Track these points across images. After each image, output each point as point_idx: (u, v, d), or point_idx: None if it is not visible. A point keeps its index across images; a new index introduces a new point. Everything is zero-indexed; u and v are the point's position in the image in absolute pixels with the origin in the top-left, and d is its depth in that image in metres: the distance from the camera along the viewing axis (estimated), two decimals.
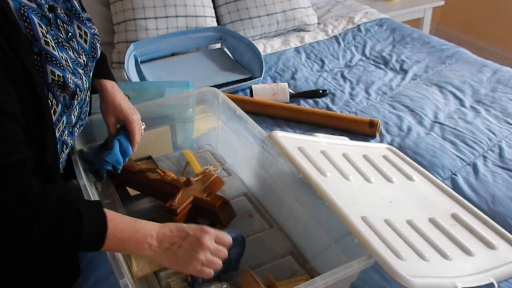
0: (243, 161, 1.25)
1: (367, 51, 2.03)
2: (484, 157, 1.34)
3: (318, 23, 2.29)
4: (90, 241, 0.74)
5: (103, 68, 1.09)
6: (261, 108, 1.53)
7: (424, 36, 2.13)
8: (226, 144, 1.34)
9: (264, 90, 1.61)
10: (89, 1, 1.93)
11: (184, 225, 0.82)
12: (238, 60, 1.87)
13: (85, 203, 0.78)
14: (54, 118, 0.84)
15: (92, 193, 0.95)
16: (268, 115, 1.53)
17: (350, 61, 1.95)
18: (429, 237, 0.94)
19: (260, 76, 1.74)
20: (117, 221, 0.77)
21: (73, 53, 0.90)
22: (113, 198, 1.12)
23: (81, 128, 1.06)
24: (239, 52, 1.87)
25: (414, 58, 1.93)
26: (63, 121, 0.90)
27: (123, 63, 1.69)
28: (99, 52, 1.02)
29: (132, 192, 1.18)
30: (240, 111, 1.21)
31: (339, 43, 2.10)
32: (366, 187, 1.06)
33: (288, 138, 1.08)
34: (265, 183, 1.17)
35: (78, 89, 0.87)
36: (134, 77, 1.65)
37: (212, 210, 1.03)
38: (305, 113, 1.50)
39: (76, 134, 1.03)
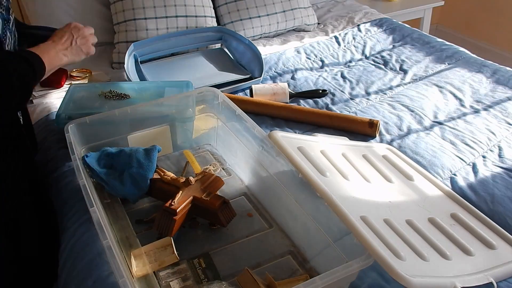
0: (243, 161, 1.25)
1: (367, 51, 2.03)
2: (484, 157, 1.34)
3: (318, 23, 2.30)
4: (38, 67, 0.99)
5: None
6: (261, 108, 1.53)
7: (424, 36, 2.13)
8: (226, 144, 1.34)
9: (264, 90, 1.61)
10: (89, 1, 1.93)
11: (58, 32, 1.14)
12: (238, 60, 1.87)
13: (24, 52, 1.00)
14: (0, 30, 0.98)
15: (92, 193, 0.95)
16: (268, 115, 1.53)
17: (350, 61, 1.95)
18: (429, 237, 0.94)
19: (260, 76, 1.74)
20: (35, 50, 1.02)
21: None
22: (113, 198, 1.12)
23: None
24: (239, 52, 1.87)
25: (414, 58, 1.93)
26: (9, 39, 1.02)
27: (123, 63, 1.69)
28: None
29: None
30: (239, 111, 1.21)
31: (339, 43, 2.10)
32: (366, 187, 1.07)
33: (288, 138, 1.08)
34: (264, 183, 1.17)
35: (8, 4, 1.02)
36: (134, 77, 1.65)
37: (211, 209, 1.03)
38: (305, 113, 1.50)
39: None
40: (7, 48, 1.00)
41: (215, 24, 2.02)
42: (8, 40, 1.00)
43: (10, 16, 1.03)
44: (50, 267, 1.10)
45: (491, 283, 0.89)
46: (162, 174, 1.11)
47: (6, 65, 0.92)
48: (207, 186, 1.10)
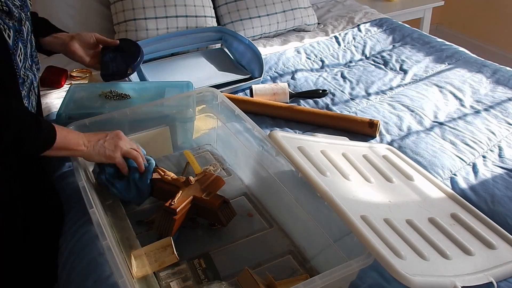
0: (243, 161, 1.25)
1: (367, 51, 2.03)
2: (484, 157, 1.34)
3: (318, 23, 2.30)
4: (46, 136, 0.94)
5: (53, 26, 1.30)
6: (261, 108, 1.53)
7: (424, 36, 2.13)
8: (226, 144, 1.34)
9: (264, 90, 1.61)
10: (89, 1, 1.93)
11: (101, 132, 1.07)
12: (238, 60, 1.87)
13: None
14: (10, 41, 0.93)
15: (91, 195, 0.95)
16: (268, 115, 1.54)
17: (350, 61, 1.95)
18: (429, 237, 0.94)
19: (260, 76, 1.74)
20: (57, 126, 0.97)
21: None
22: (113, 199, 1.12)
23: (38, 78, 1.15)
24: (239, 52, 1.87)
25: (414, 58, 1.93)
26: (22, 50, 0.98)
27: None
28: (30, 2, 1.08)
29: None
30: (239, 111, 1.21)
31: (339, 43, 2.10)
32: (366, 187, 1.07)
33: (288, 138, 1.08)
34: (264, 182, 1.17)
35: (21, 16, 0.97)
36: (134, 77, 1.65)
37: (211, 209, 1.03)
38: (305, 113, 1.50)
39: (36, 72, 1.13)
40: (18, 59, 0.97)
41: (215, 24, 2.02)
42: (19, 51, 0.97)
43: (23, 27, 0.99)
44: (50, 268, 1.09)
45: (491, 282, 0.89)
46: (163, 174, 1.11)
47: (8, 112, 0.87)
48: (207, 185, 1.10)
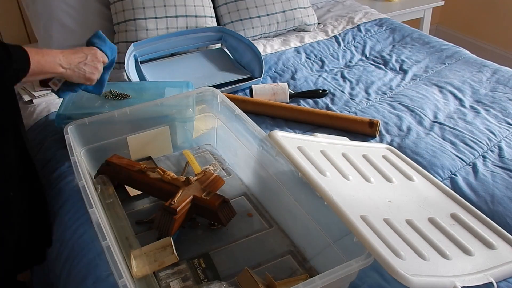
0: (243, 161, 1.25)
1: (367, 51, 2.03)
2: (484, 157, 1.34)
3: (318, 23, 2.30)
4: (19, 65, 0.92)
5: None
6: (261, 108, 1.53)
7: (424, 36, 2.13)
8: (226, 144, 1.34)
9: (264, 90, 1.61)
10: (89, 1, 1.93)
11: (77, 49, 1.08)
12: (238, 60, 1.87)
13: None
14: None
15: (91, 194, 0.95)
16: (268, 115, 1.53)
17: (350, 61, 1.95)
18: (429, 237, 0.94)
19: (260, 76, 1.74)
20: (30, 49, 0.95)
21: None
22: (113, 198, 1.12)
23: None
24: (239, 52, 1.87)
25: (414, 58, 1.93)
26: None
27: (123, 63, 1.69)
28: None
29: (132, 192, 1.18)
30: (239, 111, 1.21)
31: (339, 43, 2.10)
32: (366, 187, 1.07)
33: (288, 138, 1.08)
34: (264, 182, 1.17)
35: None
36: (134, 77, 1.65)
37: (211, 209, 1.03)
38: (305, 113, 1.50)
39: None
40: None
41: (215, 24, 2.02)
42: None
43: None
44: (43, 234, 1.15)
45: (491, 283, 0.89)
46: (163, 173, 1.11)
47: None
48: (207, 185, 1.10)
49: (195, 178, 1.11)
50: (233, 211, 1.08)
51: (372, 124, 1.42)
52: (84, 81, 1.09)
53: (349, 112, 1.57)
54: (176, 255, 0.96)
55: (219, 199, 1.05)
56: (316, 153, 1.09)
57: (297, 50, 2.02)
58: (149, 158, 1.30)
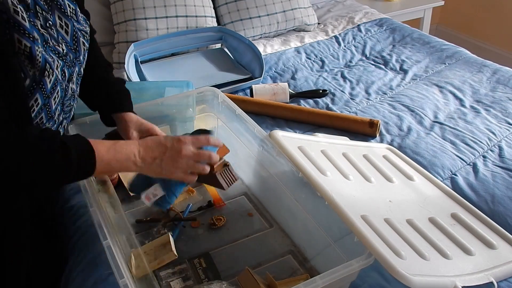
0: (243, 161, 1.25)
1: (367, 51, 2.03)
2: (484, 157, 1.34)
3: (318, 23, 2.30)
4: (82, 165, 0.77)
5: (127, 102, 1.12)
6: (261, 108, 1.53)
7: (424, 36, 2.13)
8: (226, 143, 1.33)
9: (264, 90, 1.61)
10: (89, 1, 1.93)
11: (161, 138, 0.89)
12: (238, 60, 1.87)
13: (65, 135, 0.79)
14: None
15: (92, 193, 0.95)
16: (268, 115, 1.53)
17: (350, 61, 1.95)
18: (429, 237, 0.94)
19: (260, 76, 1.74)
20: (98, 144, 0.80)
21: (50, 40, 0.87)
22: (113, 198, 1.12)
23: (66, 123, 1.03)
24: (239, 52, 1.87)
25: (414, 58, 1.93)
26: (38, 101, 0.84)
27: (123, 63, 1.69)
28: (84, 48, 0.99)
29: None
30: (239, 111, 1.21)
31: (339, 43, 2.10)
32: (366, 187, 1.07)
33: (288, 138, 1.08)
34: (265, 182, 1.17)
35: (48, 65, 0.83)
36: (134, 77, 1.65)
37: (210, 171, 0.95)
38: (305, 113, 1.50)
39: (59, 129, 0.99)
40: (31, 109, 0.83)
41: (215, 24, 2.02)
42: (33, 101, 0.84)
43: (45, 79, 0.83)
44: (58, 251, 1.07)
45: (492, 282, 0.89)
46: None
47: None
48: None
49: None
50: (235, 177, 1.01)
51: (373, 124, 1.42)
52: (163, 177, 0.91)
53: (350, 112, 1.57)
54: (175, 252, 0.96)
55: (219, 162, 0.97)
56: (316, 153, 1.09)
57: (297, 50, 2.02)
58: None
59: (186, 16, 1.92)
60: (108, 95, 1.09)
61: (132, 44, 1.76)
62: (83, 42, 0.98)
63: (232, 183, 1.00)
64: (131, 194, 1.11)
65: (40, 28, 0.85)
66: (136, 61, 1.75)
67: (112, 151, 0.82)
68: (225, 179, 0.99)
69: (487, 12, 3.13)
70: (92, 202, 0.92)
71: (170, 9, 1.90)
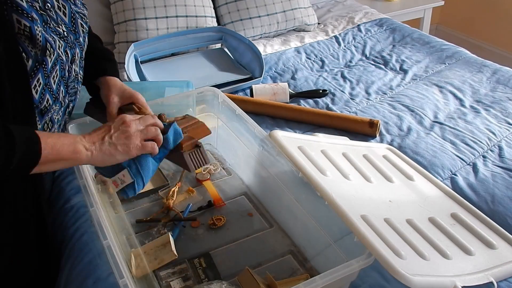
0: (243, 161, 1.25)
1: (367, 51, 2.03)
2: (484, 157, 1.34)
3: (318, 23, 2.30)
4: (26, 152, 0.73)
5: (112, 68, 1.09)
6: (261, 108, 1.53)
7: (424, 36, 2.13)
8: (226, 143, 1.34)
9: (264, 90, 1.61)
10: (89, 1, 1.93)
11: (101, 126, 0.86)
12: (238, 60, 1.87)
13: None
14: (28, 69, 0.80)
15: (92, 193, 0.95)
16: (268, 115, 1.53)
17: (350, 61, 1.95)
18: (429, 237, 0.94)
19: (260, 76, 1.75)
20: (42, 133, 0.77)
21: (50, 21, 0.87)
22: (113, 198, 1.12)
23: (72, 106, 1.01)
24: (239, 52, 1.87)
25: (414, 58, 1.93)
26: (40, 81, 0.84)
27: (124, 63, 1.69)
28: (83, 30, 0.98)
29: None
30: (240, 111, 1.21)
31: (339, 43, 2.10)
32: (366, 187, 1.07)
33: (288, 138, 1.08)
34: (265, 182, 1.17)
35: (49, 44, 0.82)
36: (135, 77, 1.65)
37: (178, 150, 0.90)
38: (305, 113, 1.50)
39: (66, 113, 0.98)
40: (34, 91, 0.82)
41: (215, 24, 2.02)
42: (36, 82, 0.83)
43: (47, 58, 0.83)
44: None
45: (492, 282, 0.89)
46: (138, 110, 1.01)
47: None
48: (186, 128, 0.96)
49: (174, 119, 0.98)
50: (205, 159, 0.94)
51: (373, 124, 1.42)
52: (121, 159, 0.84)
53: (350, 112, 1.57)
54: (175, 251, 0.96)
55: (189, 141, 0.91)
56: (316, 153, 1.09)
57: (297, 50, 2.03)
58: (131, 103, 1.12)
59: (186, 16, 1.92)
60: (93, 60, 1.06)
61: (132, 44, 1.76)
62: (81, 23, 0.98)
63: (201, 166, 0.93)
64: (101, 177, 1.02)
65: (38, 9, 0.85)
66: (136, 61, 1.75)
67: (55, 135, 0.79)
68: (193, 160, 0.92)
69: (487, 12, 3.13)
70: (92, 202, 0.92)
71: (170, 9, 1.90)
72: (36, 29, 0.81)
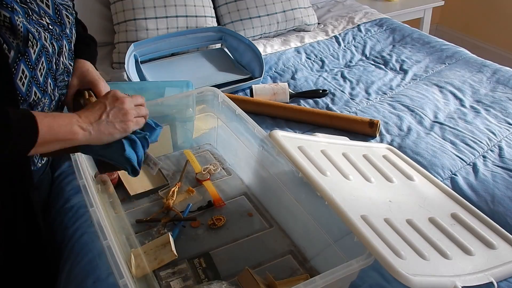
0: (243, 161, 1.25)
1: (367, 51, 2.03)
2: (484, 157, 1.34)
3: (318, 23, 2.30)
4: (23, 132, 0.73)
5: (85, 51, 1.08)
6: (261, 108, 1.53)
7: (424, 36, 2.13)
8: (226, 143, 1.34)
9: (264, 90, 1.61)
10: (89, 1, 1.93)
11: (93, 102, 0.87)
12: (238, 60, 1.87)
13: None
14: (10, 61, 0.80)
15: (92, 193, 0.95)
16: (268, 115, 1.53)
17: (350, 61, 1.95)
18: (429, 237, 0.94)
19: (260, 76, 1.74)
20: (38, 113, 0.77)
21: (32, 13, 0.86)
22: (113, 198, 1.12)
23: (63, 99, 1.00)
24: (239, 52, 1.87)
25: (414, 58, 1.93)
26: (25, 73, 0.83)
27: (124, 63, 1.69)
28: (68, 21, 0.97)
29: (132, 191, 1.18)
30: (240, 111, 1.21)
31: (339, 43, 2.10)
32: (366, 187, 1.07)
33: (288, 138, 1.08)
34: (265, 182, 1.17)
35: (31, 35, 0.82)
36: (134, 77, 1.65)
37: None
38: (305, 113, 1.50)
39: (59, 106, 0.97)
40: (20, 83, 0.82)
41: (215, 24, 2.02)
42: (21, 73, 0.82)
43: (29, 49, 0.83)
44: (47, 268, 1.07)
45: (492, 282, 0.89)
46: (87, 98, 0.98)
47: None
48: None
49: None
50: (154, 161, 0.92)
51: (372, 124, 1.42)
52: (118, 136, 0.84)
53: (349, 112, 1.57)
54: (175, 252, 0.96)
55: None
56: (316, 153, 1.09)
57: (297, 50, 2.02)
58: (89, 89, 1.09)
59: (186, 16, 1.92)
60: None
61: (132, 44, 1.76)
62: (66, 15, 0.98)
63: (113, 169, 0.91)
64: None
65: (19, 1, 0.85)
66: (136, 61, 1.75)
67: (50, 115, 0.79)
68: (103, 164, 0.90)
69: (487, 12, 3.13)
70: (92, 202, 0.92)
71: (170, 9, 1.90)
72: (17, 20, 0.81)
